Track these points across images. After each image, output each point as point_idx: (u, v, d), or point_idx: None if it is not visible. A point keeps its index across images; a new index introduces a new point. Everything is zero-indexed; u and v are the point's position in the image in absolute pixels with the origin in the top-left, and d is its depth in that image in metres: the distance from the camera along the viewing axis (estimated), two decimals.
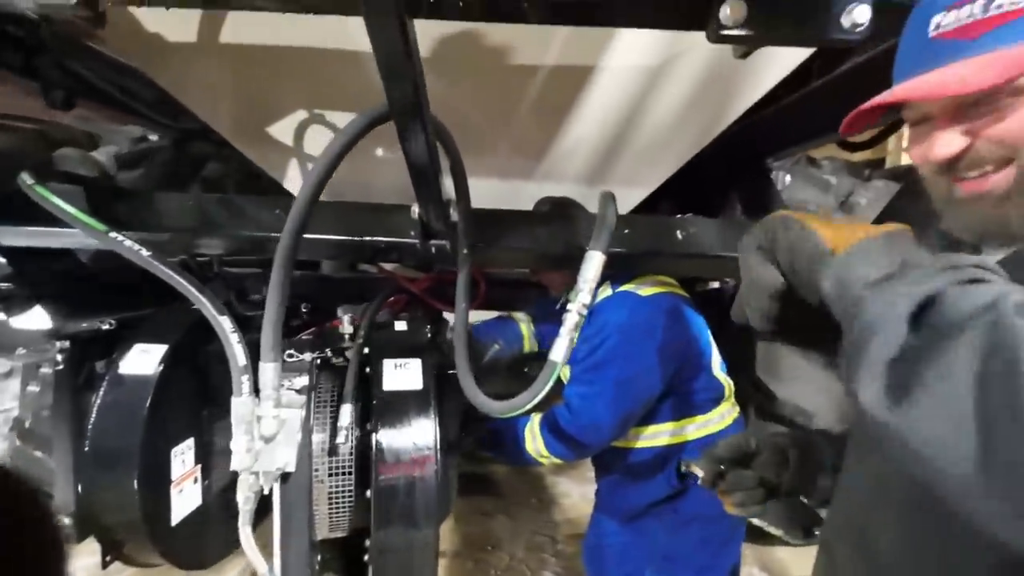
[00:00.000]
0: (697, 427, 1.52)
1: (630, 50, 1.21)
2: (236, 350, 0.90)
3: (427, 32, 1.17)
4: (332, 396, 1.22)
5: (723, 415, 1.57)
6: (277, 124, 1.48)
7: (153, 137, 2.34)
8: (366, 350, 1.25)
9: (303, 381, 1.05)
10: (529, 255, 1.18)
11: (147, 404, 1.19)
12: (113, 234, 0.94)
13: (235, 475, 1.49)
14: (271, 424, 0.90)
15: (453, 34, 1.17)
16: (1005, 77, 0.52)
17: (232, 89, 1.36)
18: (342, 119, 1.45)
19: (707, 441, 1.52)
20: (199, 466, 1.37)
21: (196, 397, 1.36)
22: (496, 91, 1.32)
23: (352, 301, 1.81)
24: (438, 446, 1.05)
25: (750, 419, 2.51)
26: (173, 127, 1.86)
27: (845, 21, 0.70)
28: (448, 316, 1.95)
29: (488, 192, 1.66)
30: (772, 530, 2.72)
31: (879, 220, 1.42)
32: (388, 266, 1.98)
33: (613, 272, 1.43)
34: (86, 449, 1.17)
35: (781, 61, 1.25)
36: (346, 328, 1.30)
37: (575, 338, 0.92)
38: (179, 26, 1.21)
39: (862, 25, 0.70)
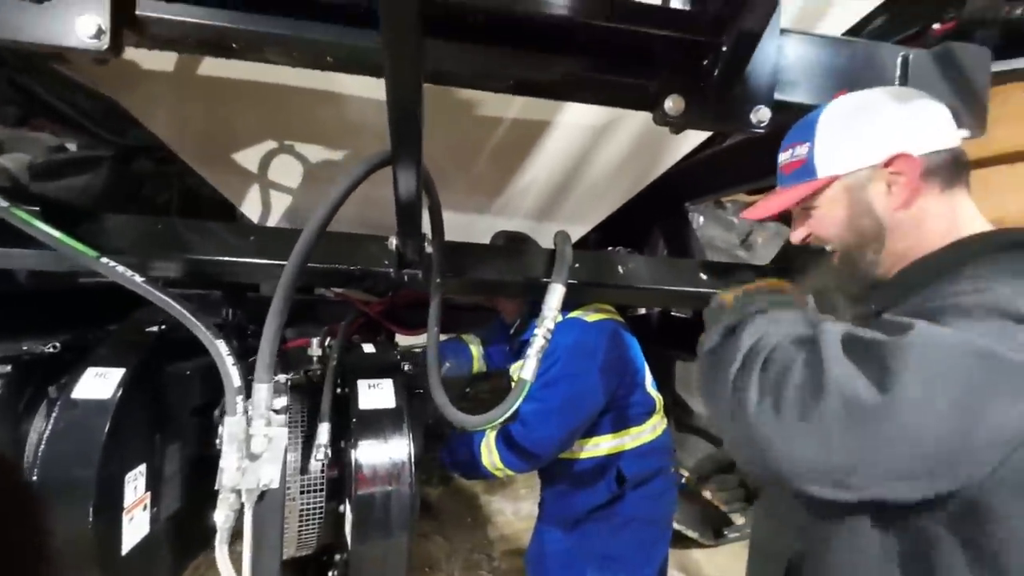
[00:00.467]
0: (633, 438, 1.72)
1: (580, 110, 1.41)
2: (231, 372, 0.94)
3: None
4: (302, 416, 1.27)
5: (655, 426, 1.77)
6: (243, 152, 1.51)
7: (71, 147, 2.22)
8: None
9: (282, 401, 1.10)
10: (491, 285, 1.31)
11: (105, 430, 1.17)
12: (105, 260, 0.96)
13: (183, 502, 1.48)
14: (261, 443, 0.95)
15: (431, 88, 1.30)
16: (780, 209, 0.84)
17: (203, 117, 1.39)
18: (312, 151, 1.53)
19: (642, 450, 1.72)
20: (149, 493, 1.34)
21: (150, 421, 1.34)
22: (462, 137, 1.47)
23: (300, 323, 1.84)
24: (412, 461, 1.14)
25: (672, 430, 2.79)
26: (117, 143, 1.81)
27: (753, 118, 0.93)
28: (401, 339, 2.03)
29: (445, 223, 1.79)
30: (689, 533, 3.04)
31: (778, 259, 1.72)
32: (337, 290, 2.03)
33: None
34: (33, 478, 1.13)
35: (699, 132, 1.51)
36: (314, 350, 1.35)
37: (540, 359, 1.07)
38: (155, 56, 1.24)
39: (764, 121, 0.93)
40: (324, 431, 1.17)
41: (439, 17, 0.79)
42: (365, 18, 0.83)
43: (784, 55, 0.95)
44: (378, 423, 1.16)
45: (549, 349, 1.58)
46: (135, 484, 1.28)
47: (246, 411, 0.96)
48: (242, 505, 1.03)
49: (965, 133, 0.77)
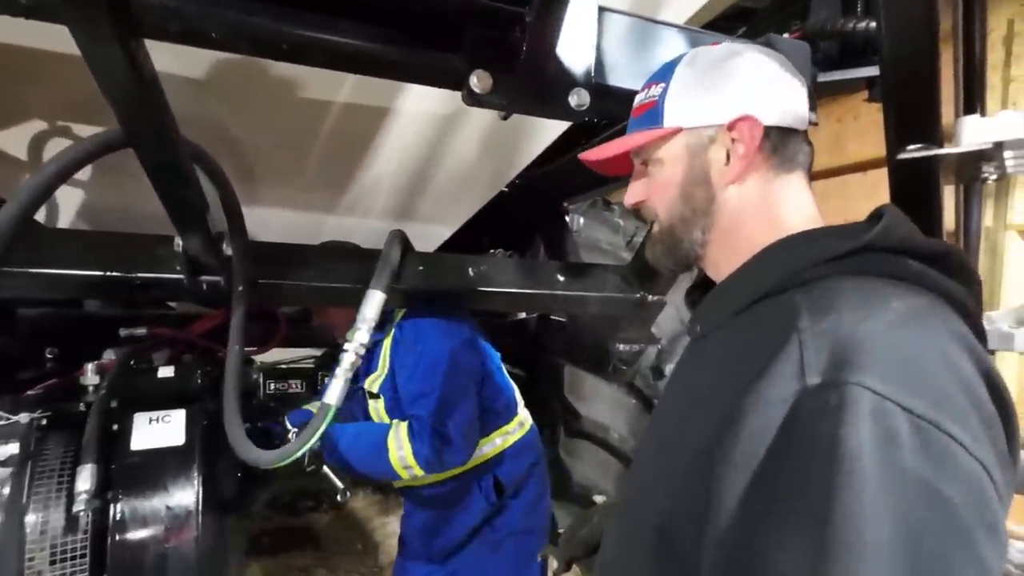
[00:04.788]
0: (504, 437, 1.59)
1: (423, 97, 1.27)
2: None
3: (203, 56, 1.09)
4: (64, 463, 1.01)
5: (522, 422, 1.67)
6: (5, 134, 1.22)
7: None
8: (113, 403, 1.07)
9: (10, 449, 0.85)
10: (315, 291, 1.14)
11: None
12: None
13: None
14: None
15: (236, 61, 1.10)
16: (616, 152, 0.70)
17: None
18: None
19: (515, 448, 1.59)
20: None
21: None
22: (288, 123, 1.28)
23: (123, 344, 1.54)
24: (199, 510, 0.93)
25: (560, 437, 2.73)
26: None
27: (572, 100, 0.84)
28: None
29: (287, 224, 1.59)
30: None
31: (634, 260, 1.67)
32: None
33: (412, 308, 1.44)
34: None
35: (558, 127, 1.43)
36: (90, 379, 1.10)
37: (349, 379, 0.91)
38: None
39: (584, 104, 0.84)
40: (86, 475, 0.93)
41: None
42: None
43: (605, 35, 0.87)
44: (154, 466, 0.94)
45: (408, 338, 1.42)
46: None
47: None
48: None
49: (814, 118, 0.69)
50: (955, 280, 0.52)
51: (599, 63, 0.86)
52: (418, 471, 1.35)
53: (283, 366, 2.52)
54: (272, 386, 2.23)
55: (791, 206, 0.64)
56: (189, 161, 0.83)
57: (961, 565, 0.39)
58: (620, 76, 0.89)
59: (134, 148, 0.74)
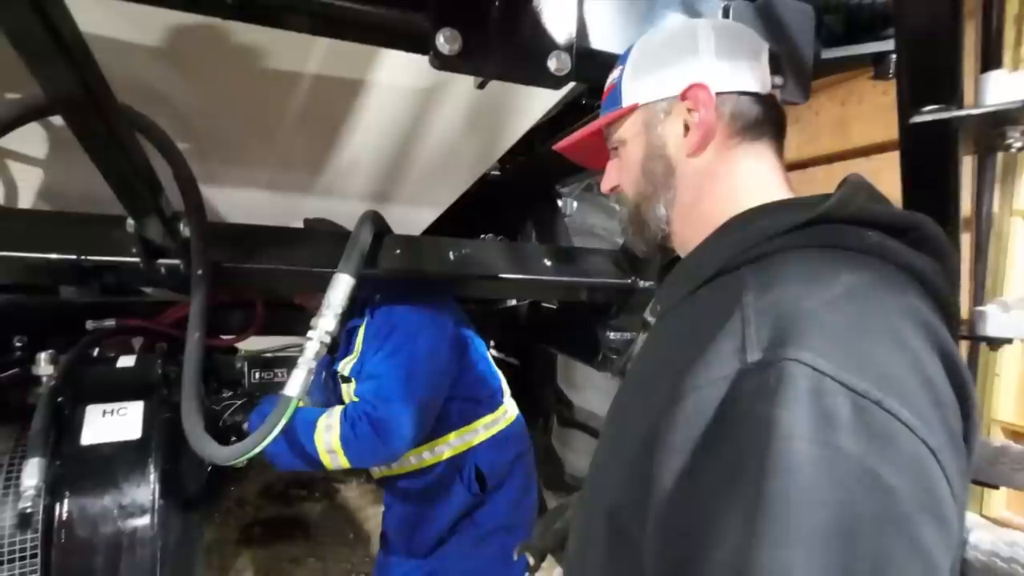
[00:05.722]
0: (487, 427, 1.54)
1: (400, 69, 1.19)
2: None
3: (161, 21, 1.01)
4: (13, 459, 0.95)
5: (508, 411, 1.61)
6: None
7: None
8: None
9: None
10: (284, 275, 1.07)
11: None
12: None
13: None
14: None
15: (194, 25, 1.02)
16: (580, 137, 0.73)
17: None
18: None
19: (498, 439, 1.54)
20: None
21: None
22: (255, 96, 1.20)
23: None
24: (156, 508, 0.87)
25: (553, 426, 2.69)
26: None
27: (551, 64, 0.76)
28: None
29: (261, 206, 1.51)
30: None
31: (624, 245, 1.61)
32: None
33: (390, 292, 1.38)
34: None
35: (545, 92, 1.34)
36: (43, 369, 1.03)
37: (313, 369, 0.85)
38: None
39: (564, 69, 0.77)
40: (32, 470, 0.87)
41: None
42: None
43: None
44: (107, 461, 0.88)
45: (380, 320, 1.36)
46: None
47: None
48: None
49: (779, 81, 0.66)
50: (923, 253, 0.50)
51: (583, 23, 0.79)
52: (342, 459, 1.23)
53: (268, 354, 2.46)
54: (257, 375, 2.18)
55: (754, 176, 0.62)
56: (130, 132, 0.76)
57: (902, 557, 0.36)
58: (607, 39, 0.82)
59: (61, 116, 0.67)
